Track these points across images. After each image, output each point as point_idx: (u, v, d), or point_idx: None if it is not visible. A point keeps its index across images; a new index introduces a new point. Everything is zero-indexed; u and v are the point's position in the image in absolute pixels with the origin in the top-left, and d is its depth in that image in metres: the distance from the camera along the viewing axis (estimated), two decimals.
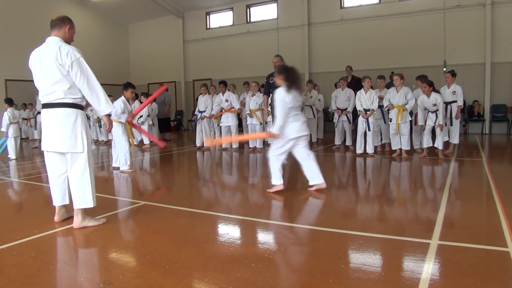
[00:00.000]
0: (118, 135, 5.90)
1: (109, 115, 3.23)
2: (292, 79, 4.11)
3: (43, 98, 3.05)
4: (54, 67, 2.93)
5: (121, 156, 5.97)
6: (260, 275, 2.16)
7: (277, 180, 4.28)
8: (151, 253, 2.53)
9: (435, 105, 6.30)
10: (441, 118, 6.27)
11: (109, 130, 3.36)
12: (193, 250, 2.60)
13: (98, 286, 2.07)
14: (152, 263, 2.38)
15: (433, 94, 6.33)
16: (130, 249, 2.67)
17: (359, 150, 6.93)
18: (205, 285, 2.09)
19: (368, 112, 6.77)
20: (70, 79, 2.98)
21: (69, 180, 3.11)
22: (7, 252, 2.63)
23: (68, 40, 3.13)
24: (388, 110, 6.76)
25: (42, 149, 3.15)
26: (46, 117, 3.05)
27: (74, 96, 3.02)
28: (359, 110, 6.90)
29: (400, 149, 6.69)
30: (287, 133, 4.14)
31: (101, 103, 3.07)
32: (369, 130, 6.81)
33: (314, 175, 4.27)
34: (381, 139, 7.59)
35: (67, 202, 3.22)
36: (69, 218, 3.27)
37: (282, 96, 4.05)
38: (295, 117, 4.17)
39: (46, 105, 3.05)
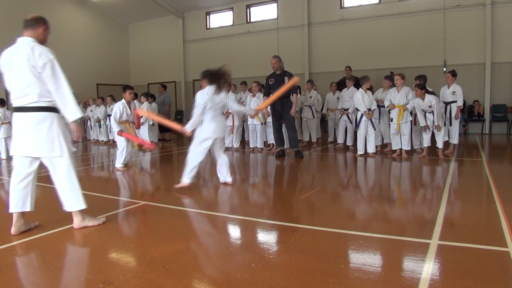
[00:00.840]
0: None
1: (77, 121, 3.01)
2: (214, 83, 4.43)
3: (15, 101, 2.89)
4: (26, 69, 2.79)
5: (118, 153, 6.16)
6: (260, 275, 2.16)
7: (186, 178, 4.45)
8: (151, 253, 2.53)
9: (430, 107, 6.30)
10: (435, 119, 6.27)
11: (78, 138, 3.13)
12: (193, 250, 2.60)
13: (98, 286, 2.07)
14: (152, 263, 2.38)
15: (427, 96, 6.31)
16: (130, 249, 2.67)
17: (361, 150, 6.94)
18: (205, 285, 2.09)
19: (369, 112, 6.79)
20: (44, 81, 2.85)
21: (56, 186, 3.03)
22: (7, 252, 2.63)
23: (42, 41, 3.00)
24: (389, 110, 6.76)
25: (12, 153, 2.99)
26: (19, 121, 2.90)
27: (49, 99, 2.88)
28: (364, 111, 6.82)
29: (401, 149, 6.70)
30: (203, 132, 4.47)
31: (68, 109, 2.90)
32: (374, 129, 6.88)
33: (222, 175, 4.71)
34: (382, 139, 7.59)
35: (28, 208, 3.01)
36: (70, 221, 3.26)
37: (199, 98, 4.43)
38: (212, 118, 4.47)
39: (18, 109, 2.89)
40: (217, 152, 4.69)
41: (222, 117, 4.67)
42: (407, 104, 6.49)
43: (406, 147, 6.63)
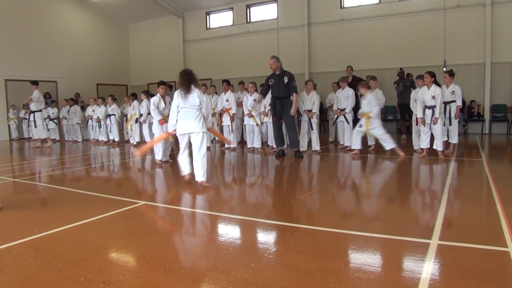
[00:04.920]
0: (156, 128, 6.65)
1: None
2: (181, 83, 4.68)
3: None
4: None
5: (156, 147, 6.58)
6: (260, 275, 2.16)
7: (186, 170, 4.82)
8: (151, 253, 2.53)
9: (433, 97, 6.31)
10: (437, 112, 6.31)
11: None
12: (193, 250, 2.60)
13: (98, 286, 2.07)
14: (152, 263, 2.38)
15: (434, 86, 6.38)
16: (130, 249, 2.67)
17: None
18: (205, 285, 2.09)
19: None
20: None
21: None
22: (7, 252, 2.63)
23: None
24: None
25: None
26: None
27: None
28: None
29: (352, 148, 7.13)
30: (177, 130, 4.74)
31: None
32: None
33: (197, 172, 4.65)
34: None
35: None
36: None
37: (174, 99, 4.77)
38: (183, 116, 4.68)
39: None
40: (193, 147, 4.72)
41: (193, 113, 4.70)
42: (370, 112, 6.78)
43: (391, 145, 6.84)
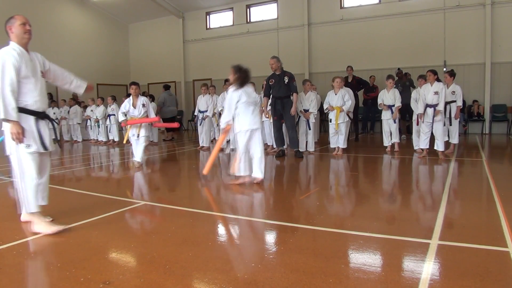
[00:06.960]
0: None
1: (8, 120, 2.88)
2: (242, 78, 4.58)
3: None
4: None
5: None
6: (260, 275, 2.16)
7: (246, 171, 4.70)
8: (151, 253, 2.53)
9: (436, 93, 6.32)
10: (441, 105, 6.33)
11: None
12: (193, 250, 2.60)
13: (98, 286, 2.07)
14: (152, 263, 2.37)
15: (436, 83, 6.42)
16: (130, 249, 2.67)
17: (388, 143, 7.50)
18: (205, 285, 2.09)
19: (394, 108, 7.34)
20: None
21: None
22: (7, 252, 2.63)
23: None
24: (328, 111, 7.26)
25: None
26: None
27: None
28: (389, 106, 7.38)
29: (338, 147, 7.23)
30: (239, 126, 4.56)
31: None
32: (394, 122, 7.40)
33: (256, 169, 4.67)
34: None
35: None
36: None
37: (230, 94, 4.59)
38: (245, 111, 4.55)
39: None
40: (253, 144, 4.68)
41: (255, 108, 4.70)
42: (343, 105, 7.00)
43: (343, 145, 7.17)
